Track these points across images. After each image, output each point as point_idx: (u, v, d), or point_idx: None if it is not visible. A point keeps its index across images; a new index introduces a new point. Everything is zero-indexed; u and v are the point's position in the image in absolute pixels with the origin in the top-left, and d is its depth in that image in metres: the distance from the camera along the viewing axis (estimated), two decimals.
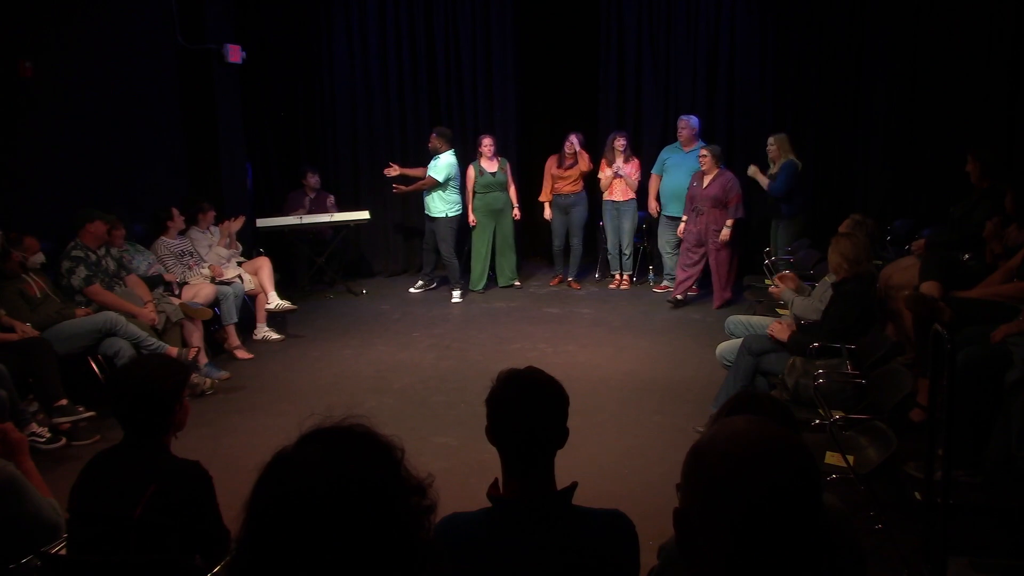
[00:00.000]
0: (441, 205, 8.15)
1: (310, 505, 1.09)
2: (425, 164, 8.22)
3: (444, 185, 8.08)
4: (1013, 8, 7.12)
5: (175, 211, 6.53)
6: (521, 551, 1.85)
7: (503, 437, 1.95)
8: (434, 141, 8.08)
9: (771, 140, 7.47)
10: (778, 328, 4.60)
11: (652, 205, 8.27)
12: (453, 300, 8.17)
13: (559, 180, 8.34)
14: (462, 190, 8.28)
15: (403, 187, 8.37)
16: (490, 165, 8.25)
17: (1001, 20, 7.25)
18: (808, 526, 1.12)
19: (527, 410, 1.93)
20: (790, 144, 7.40)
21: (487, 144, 8.22)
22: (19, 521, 2.45)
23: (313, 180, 8.64)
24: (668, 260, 8.24)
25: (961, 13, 7.48)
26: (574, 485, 1.96)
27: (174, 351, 5.41)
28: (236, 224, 7.00)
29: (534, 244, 9.65)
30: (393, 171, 8.41)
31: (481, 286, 8.44)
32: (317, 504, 1.09)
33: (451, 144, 8.15)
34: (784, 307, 5.24)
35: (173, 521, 2.29)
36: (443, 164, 8.05)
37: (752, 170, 7.48)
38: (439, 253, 8.40)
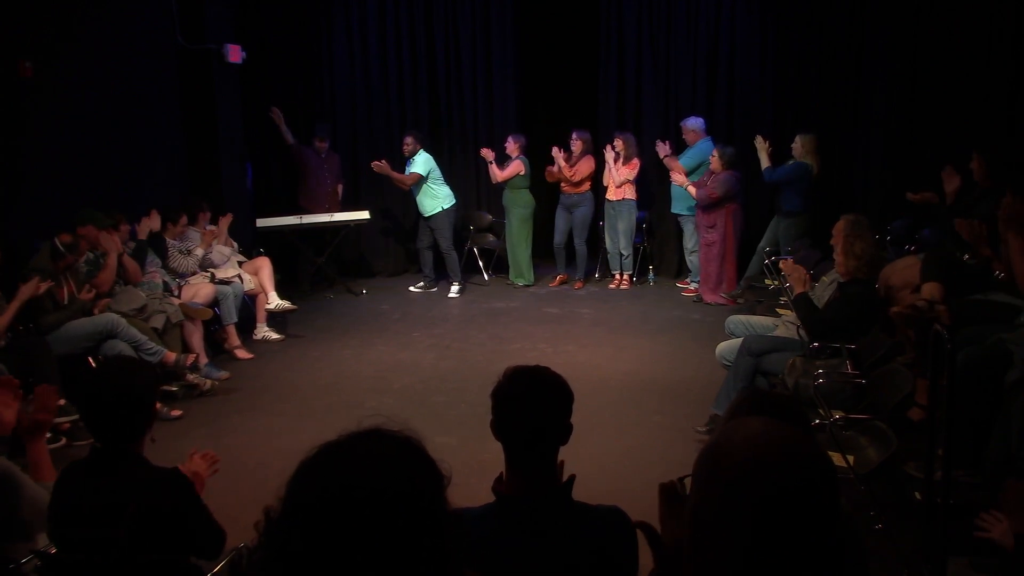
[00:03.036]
0: (433, 201, 8.28)
1: (353, 498, 1.09)
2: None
3: (427, 178, 8.20)
4: (1013, 8, 7.12)
5: (184, 217, 6.52)
6: (523, 546, 1.87)
7: (508, 431, 1.97)
8: (413, 144, 8.20)
9: (797, 139, 7.49)
10: (796, 277, 4.48)
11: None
12: (451, 295, 8.25)
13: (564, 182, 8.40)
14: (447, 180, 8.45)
15: (383, 166, 8.31)
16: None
17: (1001, 20, 7.24)
18: (824, 529, 1.13)
19: (532, 405, 1.96)
20: (815, 146, 7.42)
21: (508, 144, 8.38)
22: (18, 512, 2.47)
23: (319, 145, 8.45)
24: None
25: (961, 13, 7.48)
26: (572, 478, 1.99)
27: (172, 356, 5.41)
28: (225, 221, 7.00)
29: (535, 243, 9.62)
30: (383, 167, 8.41)
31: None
32: (361, 499, 1.09)
33: (424, 144, 8.35)
34: (784, 307, 5.23)
35: (159, 533, 2.19)
36: (422, 159, 8.22)
37: (759, 141, 7.52)
38: (433, 250, 8.46)
